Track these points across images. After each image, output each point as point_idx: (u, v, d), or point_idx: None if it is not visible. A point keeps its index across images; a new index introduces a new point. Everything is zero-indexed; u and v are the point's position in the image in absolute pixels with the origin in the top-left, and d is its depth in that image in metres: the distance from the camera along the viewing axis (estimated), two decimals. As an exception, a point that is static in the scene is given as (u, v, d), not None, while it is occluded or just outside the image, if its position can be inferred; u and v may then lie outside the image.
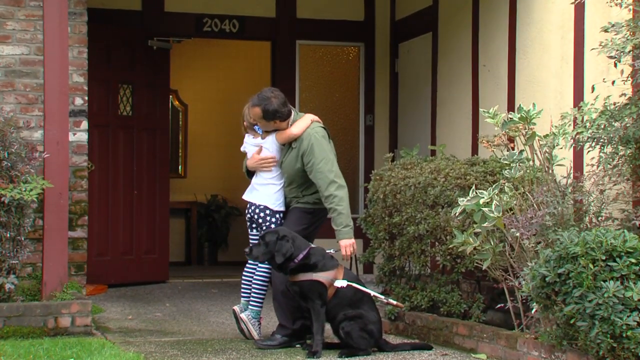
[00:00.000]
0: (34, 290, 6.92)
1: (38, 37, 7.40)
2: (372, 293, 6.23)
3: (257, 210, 6.52)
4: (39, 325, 6.47)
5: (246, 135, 6.68)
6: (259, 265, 6.52)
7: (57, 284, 6.72)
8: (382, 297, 6.41)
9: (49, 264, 6.74)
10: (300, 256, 6.10)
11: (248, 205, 6.62)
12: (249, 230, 6.67)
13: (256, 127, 6.56)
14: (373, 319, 6.12)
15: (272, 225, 6.45)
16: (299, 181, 6.48)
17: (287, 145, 6.50)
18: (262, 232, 6.31)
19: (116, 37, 9.68)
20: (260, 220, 6.50)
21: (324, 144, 6.41)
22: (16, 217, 6.54)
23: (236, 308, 6.61)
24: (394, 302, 6.52)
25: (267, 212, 6.50)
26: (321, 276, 6.08)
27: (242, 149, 6.73)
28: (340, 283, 6.09)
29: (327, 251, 6.27)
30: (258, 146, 6.57)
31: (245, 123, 6.62)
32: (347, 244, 6.31)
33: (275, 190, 6.54)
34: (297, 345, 6.38)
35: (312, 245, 6.22)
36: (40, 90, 7.27)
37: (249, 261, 6.61)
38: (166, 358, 5.88)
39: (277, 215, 6.51)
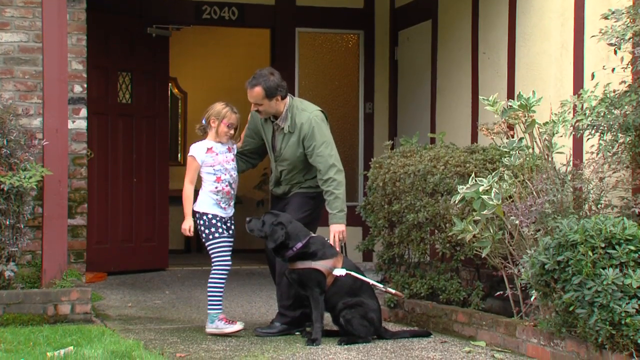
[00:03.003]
0: (33, 278, 6.93)
1: (37, 24, 7.38)
2: (371, 282, 6.23)
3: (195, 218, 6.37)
4: (38, 312, 6.47)
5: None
6: (213, 268, 6.36)
7: (56, 272, 6.72)
8: (381, 285, 6.40)
9: (49, 251, 6.74)
10: (299, 245, 6.10)
11: None
12: None
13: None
14: (373, 306, 6.12)
15: (202, 228, 6.31)
16: (300, 166, 6.47)
17: (279, 133, 6.46)
18: (266, 212, 6.27)
19: (115, 25, 9.66)
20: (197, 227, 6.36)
21: (323, 127, 6.41)
22: (15, 205, 6.53)
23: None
24: (393, 291, 6.52)
25: (197, 215, 6.34)
26: (320, 264, 6.08)
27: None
28: (339, 272, 6.09)
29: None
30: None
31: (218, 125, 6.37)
32: (339, 230, 6.30)
33: (201, 192, 6.39)
34: (297, 333, 6.39)
35: (312, 234, 6.21)
36: (39, 77, 7.26)
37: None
38: (166, 345, 5.88)
39: (205, 217, 6.32)
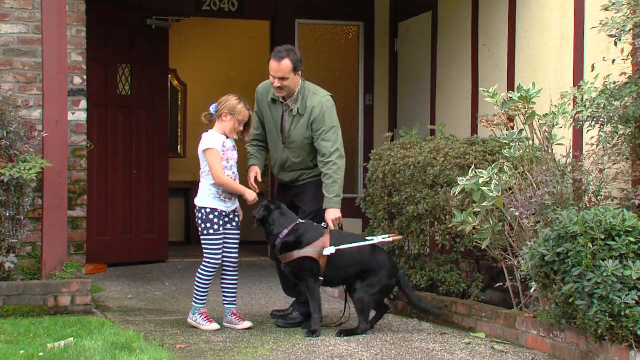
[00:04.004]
0: (33, 270, 6.93)
1: (36, 16, 7.37)
2: (363, 244, 6.13)
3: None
4: (39, 304, 6.48)
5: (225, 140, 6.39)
6: (202, 263, 6.29)
7: (56, 263, 6.73)
8: (375, 240, 6.24)
9: (49, 243, 6.74)
10: (285, 232, 6.08)
11: None
12: None
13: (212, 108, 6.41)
14: (381, 265, 6.04)
15: (199, 222, 6.27)
16: (308, 149, 6.44)
17: (289, 115, 6.44)
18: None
19: (115, 16, 9.64)
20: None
21: (333, 113, 6.44)
22: (15, 196, 6.54)
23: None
24: (390, 239, 6.38)
25: (197, 208, 6.30)
26: (307, 251, 6.04)
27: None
28: (328, 251, 6.04)
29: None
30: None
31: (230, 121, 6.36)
32: (335, 217, 6.27)
33: (201, 185, 6.34)
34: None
35: (299, 221, 6.18)
36: (39, 69, 7.25)
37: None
38: (166, 337, 5.89)
39: (203, 211, 6.27)
